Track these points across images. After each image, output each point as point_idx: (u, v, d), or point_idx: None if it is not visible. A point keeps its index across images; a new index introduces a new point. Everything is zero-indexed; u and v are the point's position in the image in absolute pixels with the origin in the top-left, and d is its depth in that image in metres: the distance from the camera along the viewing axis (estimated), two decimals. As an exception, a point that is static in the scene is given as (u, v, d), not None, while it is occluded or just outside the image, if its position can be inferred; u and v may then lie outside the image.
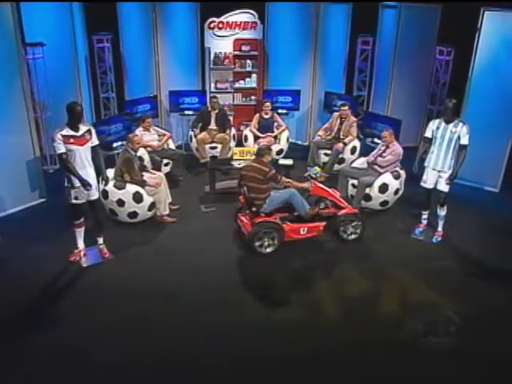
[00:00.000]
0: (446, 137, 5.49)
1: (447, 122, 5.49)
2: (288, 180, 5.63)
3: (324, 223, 5.68)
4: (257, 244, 5.45)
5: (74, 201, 5.04)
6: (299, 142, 9.32)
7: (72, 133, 4.82)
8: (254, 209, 5.52)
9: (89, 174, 4.97)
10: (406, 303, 4.90)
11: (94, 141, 5.03)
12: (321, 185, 5.88)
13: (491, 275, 5.26)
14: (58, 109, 7.21)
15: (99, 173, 5.17)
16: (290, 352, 4.10)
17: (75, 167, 4.84)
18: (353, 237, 5.81)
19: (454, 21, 7.87)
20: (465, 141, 5.45)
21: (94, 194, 5.11)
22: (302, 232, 5.59)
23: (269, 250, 5.51)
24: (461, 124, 5.44)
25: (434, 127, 5.60)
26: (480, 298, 4.88)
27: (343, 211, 5.75)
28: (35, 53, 7.07)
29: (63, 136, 4.77)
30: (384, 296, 5.02)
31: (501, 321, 4.57)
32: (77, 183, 4.88)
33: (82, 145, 4.87)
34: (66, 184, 4.99)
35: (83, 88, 8.15)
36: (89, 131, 4.96)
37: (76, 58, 7.81)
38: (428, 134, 5.67)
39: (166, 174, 7.31)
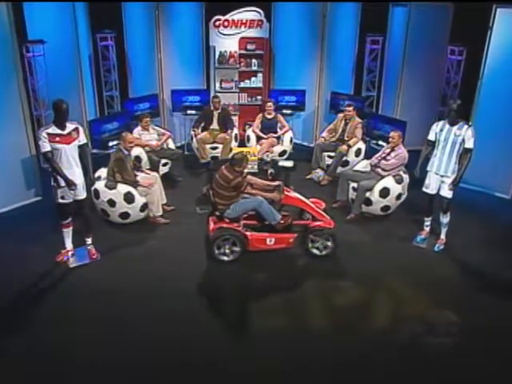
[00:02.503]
0: (449, 140, 5.22)
1: (451, 124, 5.22)
2: (255, 191, 5.33)
3: (295, 235, 5.33)
4: (216, 250, 5.23)
5: (60, 200, 4.94)
6: (305, 144, 9.09)
7: (58, 131, 4.73)
8: (217, 213, 5.32)
9: (75, 173, 4.86)
10: (401, 313, 4.63)
11: (82, 139, 4.93)
12: (295, 194, 5.44)
13: (494, 286, 4.96)
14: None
15: (87, 172, 5.06)
16: (268, 364, 3.92)
17: (60, 166, 4.75)
18: (323, 253, 5.39)
19: (467, 19, 7.54)
20: (469, 144, 5.17)
21: (81, 194, 5.00)
22: (268, 242, 5.29)
23: (226, 258, 5.26)
24: (465, 126, 5.16)
25: (437, 129, 5.33)
26: (480, 309, 4.60)
27: (316, 223, 5.35)
28: (35, 50, 7.02)
29: (49, 134, 4.68)
30: (378, 306, 4.79)
31: (501, 334, 4.30)
32: (62, 183, 4.78)
33: (68, 143, 4.77)
34: (52, 183, 4.90)
35: (86, 86, 8.11)
36: (76, 130, 4.86)
37: (79, 56, 7.77)
38: (431, 136, 5.40)
39: (165, 175, 7.25)
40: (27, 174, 6.45)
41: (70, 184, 4.74)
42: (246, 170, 5.50)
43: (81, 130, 4.93)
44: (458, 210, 6.11)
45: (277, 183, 5.44)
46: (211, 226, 5.37)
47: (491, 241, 5.79)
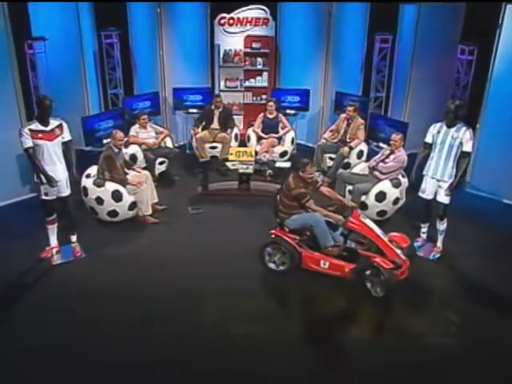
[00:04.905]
0: (446, 142, 4.97)
1: (449, 126, 4.97)
2: (317, 208, 4.84)
3: (352, 266, 4.71)
4: (266, 256, 4.95)
5: (44, 197, 4.94)
6: (309, 144, 8.87)
7: (41, 127, 4.71)
8: (278, 220, 5.02)
9: (58, 169, 4.85)
10: (389, 328, 4.39)
11: (66, 136, 4.91)
12: (365, 220, 4.80)
13: (492, 299, 4.69)
14: (63, 104, 7.22)
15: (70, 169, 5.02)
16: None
17: (43, 163, 4.73)
18: (376, 293, 4.61)
19: (479, 18, 7.20)
20: (467, 147, 4.91)
21: (65, 191, 4.98)
22: (322, 265, 4.79)
23: (273, 266, 4.97)
24: (463, 129, 4.90)
25: (434, 131, 5.09)
26: (478, 324, 4.34)
27: (377, 259, 4.56)
28: (37, 47, 7.06)
29: (31, 130, 4.66)
30: (364, 317, 4.55)
31: (501, 352, 4.05)
32: (44, 179, 4.76)
33: (50, 140, 4.74)
34: (35, 179, 4.89)
35: (90, 83, 8.15)
36: (60, 126, 4.84)
37: (82, 54, 7.80)
38: (428, 138, 5.16)
39: (161, 173, 7.18)
40: (22, 170, 6.47)
41: (50, 180, 4.71)
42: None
43: (65, 126, 4.90)
44: (460, 217, 5.89)
45: (351, 204, 5.06)
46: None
47: (492, 249, 5.50)
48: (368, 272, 4.62)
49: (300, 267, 4.90)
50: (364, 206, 5.87)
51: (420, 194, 5.29)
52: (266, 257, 4.98)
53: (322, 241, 4.81)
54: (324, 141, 7.45)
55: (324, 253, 4.80)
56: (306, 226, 4.90)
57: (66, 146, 4.92)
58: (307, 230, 4.94)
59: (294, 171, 5.03)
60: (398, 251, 4.66)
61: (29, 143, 4.65)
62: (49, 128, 4.74)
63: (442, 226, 5.25)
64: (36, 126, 4.69)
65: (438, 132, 5.03)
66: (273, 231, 5.00)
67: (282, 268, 4.96)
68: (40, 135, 4.68)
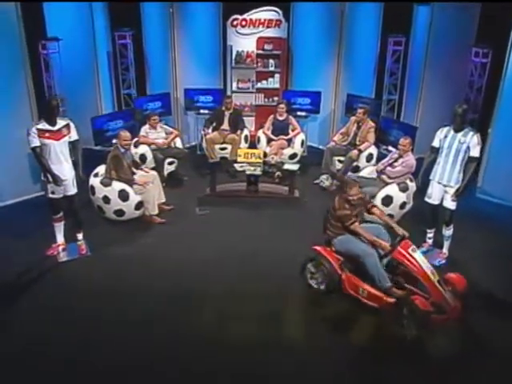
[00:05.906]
0: (453, 147, 4.90)
1: (456, 131, 4.89)
2: (362, 231, 4.47)
3: (392, 300, 4.27)
4: (307, 272, 4.76)
5: (50, 195, 5.02)
6: (321, 147, 8.82)
7: (48, 127, 4.78)
8: (325, 236, 4.80)
9: (64, 169, 4.92)
10: (391, 329, 4.30)
11: (73, 136, 4.98)
12: (413, 253, 4.25)
13: (499, 309, 4.60)
14: (76, 104, 7.37)
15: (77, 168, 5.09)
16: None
17: (49, 162, 4.81)
18: (409, 335, 4.12)
19: (494, 19, 7.06)
20: (475, 153, 4.83)
21: (71, 190, 5.05)
22: (360, 292, 4.45)
23: (313, 283, 4.72)
24: (471, 133, 4.82)
25: (441, 136, 5.02)
26: (479, 325, 4.31)
27: (417, 298, 4.09)
28: (50, 48, 7.19)
29: (38, 130, 4.74)
30: (366, 320, 4.46)
31: (501, 352, 3.99)
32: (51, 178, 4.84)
33: (57, 139, 4.82)
34: (42, 178, 4.98)
35: (104, 84, 8.27)
36: (67, 126, 4.91)
37: (96, 55, 7.92)
38: (435, 143, 5.08)
39: (170, 174, 7.24)
40: (33, 168, 6.57)
41: (56, 180, 4.79)
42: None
43: (72, 126, 4.97)
44: (470, 222, 5.84)
45: (401, 232, 4.45)
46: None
47: (500, 254, 5.39)
48: (405, 309, 4.19)
49: (341, 291, 4.59)
50: (370, 210, 5.82)
51: (426, 199, 5.21)
52: (307, 273, 4.78)
53: (374, 275, 4.35)
54: (333, 143, 7.41)
55: (387, 294, 4.31)
56: (351, 252, 4.54)
57: (72, 145, 5.00)
58: (354, 258, 4.54)
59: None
60: (448, 295, 4.13)
61: (36, 142, 4.74)
62: (56, 128, 4.82)
63: (448, 231, 5.17)
64: (43, 125, 4.78)
65: (445, 136, 4.96)
66: (317, 247, 4.76)
67: (322, 287, 4.71)
68: (47, 134, 4.76)
